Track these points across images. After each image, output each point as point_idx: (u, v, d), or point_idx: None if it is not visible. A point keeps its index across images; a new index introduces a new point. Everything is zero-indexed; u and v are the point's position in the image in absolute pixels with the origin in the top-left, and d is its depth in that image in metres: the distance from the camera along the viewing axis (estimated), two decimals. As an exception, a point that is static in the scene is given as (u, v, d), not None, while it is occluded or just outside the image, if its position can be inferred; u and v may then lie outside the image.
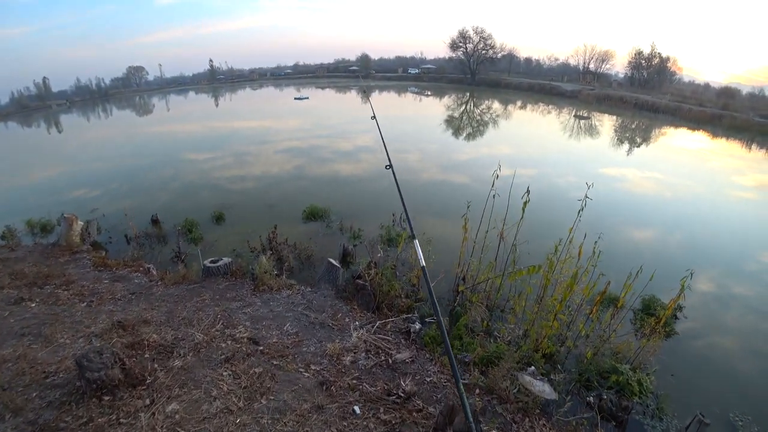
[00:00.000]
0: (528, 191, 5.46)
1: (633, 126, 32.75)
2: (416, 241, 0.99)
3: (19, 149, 23.07)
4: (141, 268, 6.88)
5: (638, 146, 23.77)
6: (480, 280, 6.43)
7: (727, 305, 7.37)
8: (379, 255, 6.51)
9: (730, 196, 14.49)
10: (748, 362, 6.02)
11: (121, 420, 3.47)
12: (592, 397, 4.77)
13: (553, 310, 5.17)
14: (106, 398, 3.66)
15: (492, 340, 5.60)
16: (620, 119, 35.38)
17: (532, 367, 4.64)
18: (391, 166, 3.50)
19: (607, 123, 33.31)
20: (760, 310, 7.31)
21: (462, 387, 1.06)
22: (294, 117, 29.42)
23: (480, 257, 6.48)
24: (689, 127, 32.31)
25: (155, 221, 9.09)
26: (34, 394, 3.75)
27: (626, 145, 23.83)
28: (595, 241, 5.10)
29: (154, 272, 6.78)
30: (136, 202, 11.28)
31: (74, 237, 7.76)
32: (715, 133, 30.06)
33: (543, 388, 4.22)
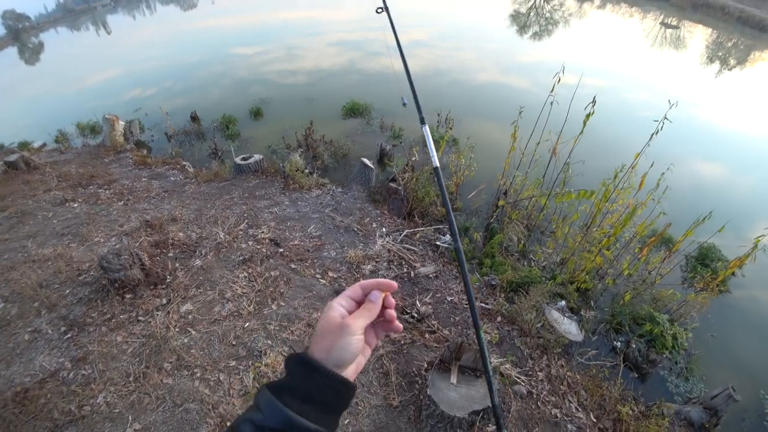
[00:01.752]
0: (594, 101, 4.49)
1: (729, 44, 27.02)
2: (426, 128, 0.60)
3: (71, 54, 23.41)
4: (178, 166, 6.88)
5: (730, 69, 19.78)
6: (523, 196, 5.77)
7: None
8: (414, 159, 5.97)
9: None
10: None
11: (140, 318, 3.56)
12: (619, 342, 4.36)
13: (599, 244, 4.57)
14: (128, 296, 3.75)
15: (526, 263, 5.18)
16: (716, 33, 29.37)
17: (563, 302, 4.27)
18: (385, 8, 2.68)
19: (698, 35, 27.85)
20: None
21: (491, 370, 0.75)
22: (347, 6, 27.27)
23: (527, 172, 5.76)
24: None
25: (194, 118, 8.95)
26: (68, 291, 3.93)
27: (716, 66, 19.98)
28: (663, 173, 4.23)
29: (190, 169, 6.76)
30: (189, 99, 11.11)
31: (117, 137, 7.82)
32: None
33: (569, 329, 3.88)
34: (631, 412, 3.40)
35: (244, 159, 6.44)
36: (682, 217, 4.73)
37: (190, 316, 3.53)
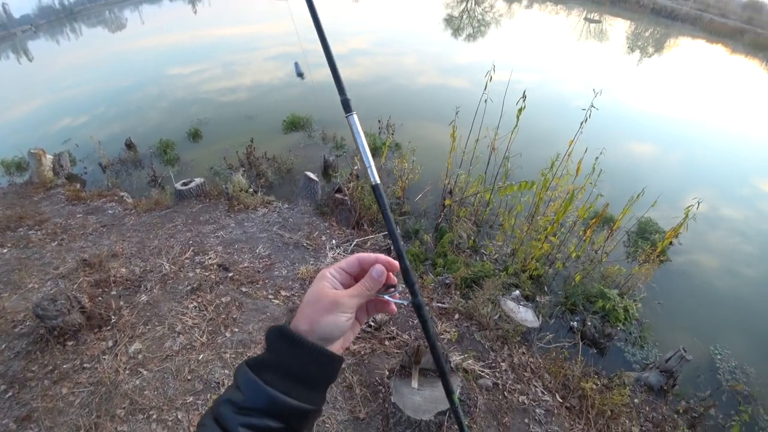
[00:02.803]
0: (524, 96, 4.74)
1: (647, 34, 29.45)
2: (353, 118, 0.47)
3: (-11, 85, 21.88)
4: (116, 197, 6.60)
5: (649, 56, 21.52)
6: (468, 193, 6.03)
7: (716, 226, 7.08)
8: (357, 168, 6.03)
9: (739, 118, 13.23)
10: (732, 287, 5.88)
11: (85, 365, 3.42)
12: (576, 322, 4.65)
13: (545, 231, 4.84)
14: (70, 343, 3.59)
15: (478, 258, 5.38)
16: (634, 24, 31.85)
17: (517, 291, 4.46)
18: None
19: (619, 28, 30.07)
20: (745, 233, 7.10)
21: (457, 401, 0.72)
22: (282, 20, 27.00)
23: (469, 169, 6.01)
24: (708, 39, 28.96)
25: (130, 145, 8.59)
26: (3, 346, 3.69)
27: (637, 54, 21.66)
28: (596, 158, 4.57)
29: (129, 200, 6.51)
30: (124, 125, 10.63)
31: (46, 172, 7.40)
32: (734, 48, 26.90)
33: (525, 316, 4.06)
34: (594, 387, 3.59)
35: (184, 184, 6.27)
36: (621, 197, 5.10)
37: (140, 356, 3.41)
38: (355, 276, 0.71)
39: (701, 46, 26.93)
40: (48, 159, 7.55)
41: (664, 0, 40.38)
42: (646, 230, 6.23)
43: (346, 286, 0.69)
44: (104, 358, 3.41)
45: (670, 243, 5.51)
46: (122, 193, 6.73)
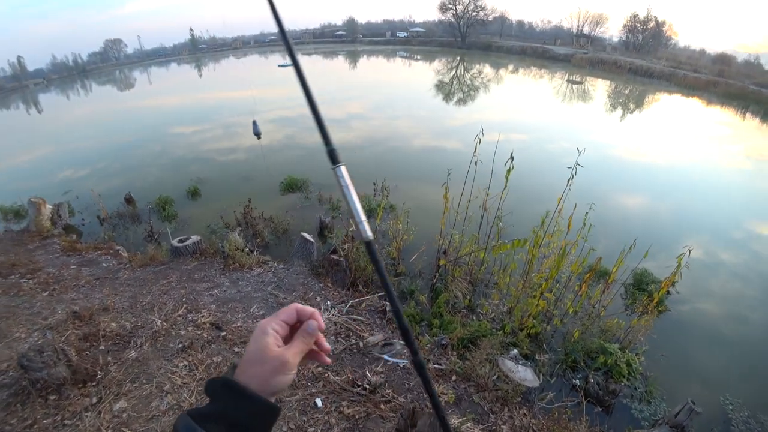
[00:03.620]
0: (512, 158, 4.99)
1: (626, 91, 31.83)
2: (341, 169, 0.50)
3: (-1, 132, 22.38)
4: (111, 251, 6.64)
5: (631, 112, 23.18)
6: (462, 253, 6.14)
7: (715, 272, 7.12)
8: (351, 229, 6.19)
9: (722, 164, 14.10)
10: (738, 333, 5.79)
11: (66, 421, 3.32)
12: (578, 380, 4.55)
13: (539, 288, 4.88)
14: (52, 397, 3.50)
15: (474, 317, 5.38)
16: (614, 84, 34.40)
17: (515, 350, 4.42)
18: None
19: (600, 88, 32.45)
20: (746, 276, 7.11)
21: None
22: (281, 85, 28.46)
23: (462, 229, 6.17)
24: (684, 93, 31.42)
25: (129, 200, 8.76)
26: (-17, 396, 3.57)
27: (619, 111, 23.28)
28: (586, 213, 4.73)
29: (124, 254, 6.55)
30: (125, 179, 10.90)
31: (44, 221, 7.48)
32: (709, 100, 29.16)
33: (525, 375, 4.02)
34: None
35: (181, 241, 6.36)
36: (614, 249, 5.20)
37: (124, 415, 3.31)
38: (292, 326, 0.73)
39: (678, 100, 28.72)
40: (47, 208, 7.67)
41: (639, 61, 43.34)
42: (642, 281, 6.24)
43: (286, 338, 0.71)
44: (87, 416, 3.31)
45: (668, 292, 5.54)
46: (118, 247, 6.78)
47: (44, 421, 3.30)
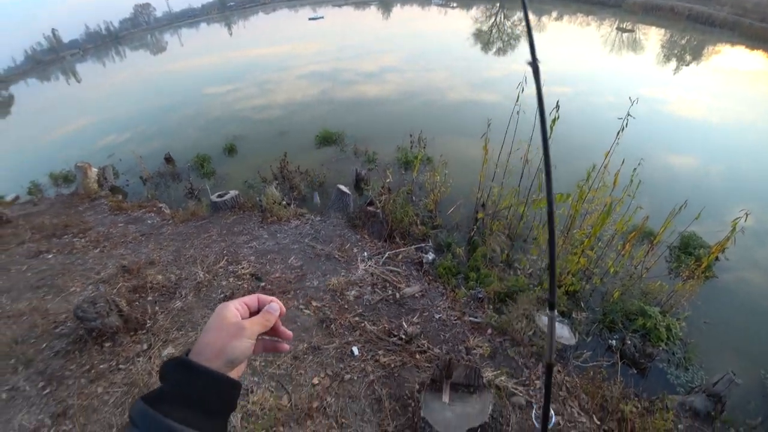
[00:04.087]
0: (557, 107, 4.64)
1: (683, 41, 28.46)
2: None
3: (42, 105, 23.24)
4: (154, 208, 6.83)
5: (687, 65, 20.68)
6: (501, 206, 5.89)
7: (764, 242, 6.45)
8: (388, 180, 6.05)
9: None
10: None
11: (120, 366, 3.47)
12: (614, 341, 4.39)
13: (581, 245, 4.63)
14: (107, 345, 3.66)
15: (512, 272, 5.22)
16: (669, 33, 30.93)
17: None
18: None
19: (653, 37, 29.23)
20: None
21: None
22: (314, 39, 27.83)
23: (502, 182, 5.88)
24: (748, 45, 27.59)
25: (168, 159, 8.94)
26: (44, 345, 3.81)
27: (673, 63, 20.92)
28: (634, 169, 4.38)
29: (167, 211, 6.72)
30: (163, 141, 11.12)
31: (91, 184, 7.76)
32: None
33: (561, 333, 3.91)
34: (634, 410, 3.33)
35: (220, 196, 6.43)
36: (659, 211, 4.86)
37: (172, 360, 3.45)
38: (253, 312, 0.72)
39: (741, 53, 25.80)
40: (93, 172, 7.91)
41: (700, 6, 39.02)
42: (689, 245, 5.81)
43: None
44: (138, 360, 3.47)
45: (716, 258, 5.17)
46: (160, 205, 6.96)
47: (100, 366, 3.48)
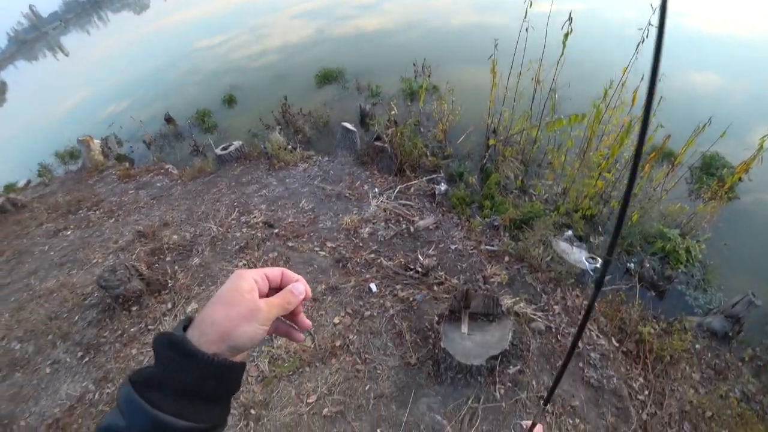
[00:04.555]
0: (570, 19, 4.19)
1: None
2: None
3: (36, 86, 22.89)
4: (162, 171, 6.76)
5: None
6: (513, 131, 5.53)
7: None
8: (394, 113, 5.75)
9: None
10: None
11: (149, 327, 3.55)
12: (633, 264, 4.26)
13: (598, 168, 4.34)
14: (134, 308, 3.73)
15: (527, 199, 5.02)
16: None
17: (569, 231, 4.14)
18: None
19: None
20: None
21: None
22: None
23: (513, 106, 5.49)
24: None
25: (169, 119, 8.73)
26: (77, 317, 3.91)
27: None
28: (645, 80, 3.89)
29: (174, 171, 6.66)
30: (165, 103, 10.78)
31: (96, 156, 7.69)
32: None
33: (579, 257, 3.77)
34: (652, 331, 3.34)
35: (224, 149, 6.29)
36: (679, 130, 4.47)
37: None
38: (273, 289, 0.61)
39: None
40: (96, 143, 7.82)
41: None
42: (711, 165, 5.48)
43: (263, 297, 0.58)
44: (165, 319, 3.53)
45: (740, 179, 4.85)
46: (167, 166, 6.88)
47: (131, 330, 3.56)
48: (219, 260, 4.05)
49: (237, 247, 4.16)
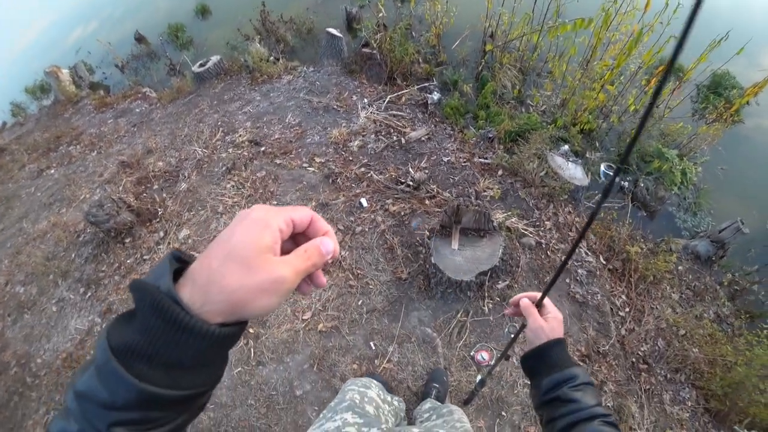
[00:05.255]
0: None
1: None
2: None
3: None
4: (139, 95, 6.37)
5: None
6: (512, 36, 5.02)
7: None
8: (382, 15, 5.21)
9: None
10: None
11: (144, 257, 3.51)
12: (627, 182, 4.16)
13: (601, 79, 4.00)
14: (128, 240, 3.68)
15: (524, 109, 4.72)
16: None
17: (566, 146, 3.94)
18: None
19: None
20: None
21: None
22: None
23: (513, 7, 4.92)
24: None
25: (139, 39, 8.04)
26: (73, 255, 3.89)
27: None
28: None
29: (152, 95, 6.26)
30: (135, 20, 9.88)
31: (67, 87, 7.21)
32: None
33: (574, 173, 3.61)
34: (639, 251, 3.33)
35: (202, 65, 5.84)
36: (693, 42, 3.99)
37: (189, 241, 3.43)
38: (299, 234, 0.51)
39: None
40: (65, 73, 7.33)
41: None
42: (720, 84, 5.10)
43: (283, 247, 0.47)
44: (159, 248, 3.48)
45: (747, 102, 4.48)
46: (144, 89, 6.47)
47: (128, 261, 3.52)
48: (207, 183, 3.89)
49: (224, 168, 3.97)
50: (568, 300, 2.99)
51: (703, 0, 0.36)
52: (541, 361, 0.95)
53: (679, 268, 3.53)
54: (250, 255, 0.42)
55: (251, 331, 2.81)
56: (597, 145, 4.54)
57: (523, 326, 1.04)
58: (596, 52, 4.33)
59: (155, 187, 4.12)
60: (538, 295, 1.02)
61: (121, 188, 4.22)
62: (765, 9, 7.19)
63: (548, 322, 0.97)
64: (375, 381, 1.61)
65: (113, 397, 0.39)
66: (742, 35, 4.30)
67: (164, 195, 3.94)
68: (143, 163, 4.51)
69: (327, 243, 0.50)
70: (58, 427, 0.41)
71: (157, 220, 3.72)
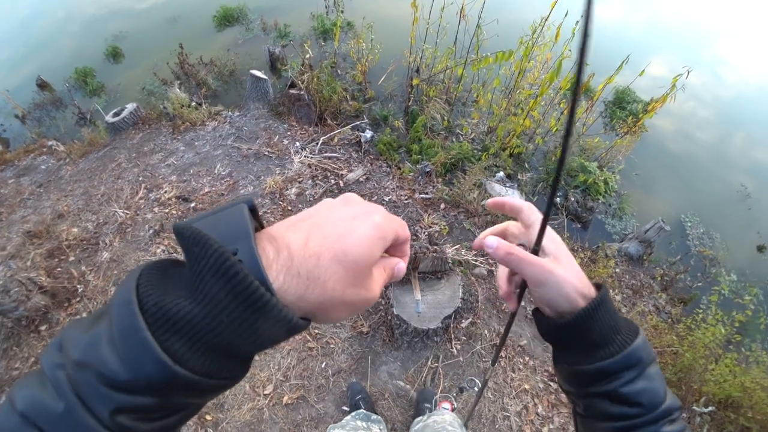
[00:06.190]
0: None
1: None
2: None
3: None
4: (44, 149, 5.78)
5: None
6: (437, 70, 5.30)
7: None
8: (308, 55, 5.20)
9: None
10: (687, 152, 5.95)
11: (63, 343, 3.08)
12: (559, 198, 4.57)
13: (527, 107, 4.35)
14: (43, 328, 3.28)
15: (454, 139, 5.00)
16: None
17: (501, 173, 4.26)
18: None
19: None
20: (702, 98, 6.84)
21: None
22: None
23: (436, 42, 5.22)
24: None
25: (42, 85, 7.36)
26: (-21, 356, 3.33)
27: None
28: (577, 22, 3.69)
29: (60, 148, 5.69)
30: (38, 63, 9.04)
31: (-45, 141, 6.43)
32: None
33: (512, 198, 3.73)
34: (580, 261, 3.60)
35: (116, 114, 5.45)
36: (595, 64, 4.48)
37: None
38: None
39: None
40: (-48, 125, 6.52)
41: None
42: (623, 99, 5.95)
43: None
44: (81, 332, 3.09)
45: (651, 116, 5.12)
46: (50, 142, 5.87)
47: (43, 351, 3.10)
48: (133, 250, 3.56)
49: (151, 231, 3.67)
50: (527, 323, 3.09)
51: (590, 32, 0.40)
52: (579, 338, 0.58)
53: (617, 270, 3.84)
54: (362, 267, 0.39)
55: (208, 418, 2.55)
56: (527, 166, 4.90)
57: (523, 287, 0.70)
58: (518, 82, 4.69)
59: (71, 258, 3.70)
60: (513, 224, 0.69)
61: (29, 263, 3.73)
62: (644, 23, 8.58)
63: (559, 261, 0.60)
64: (350, 415, 1.65)
65: (133, 376, 0.30)
66: (624, 50, 4.92)
67: (83, 268, 3.54)
68: (54, 230, 4.04)
69: (402, 268, 0.48)
70: (26, 397, 0.31)
71: (78, 299, 3.33)
